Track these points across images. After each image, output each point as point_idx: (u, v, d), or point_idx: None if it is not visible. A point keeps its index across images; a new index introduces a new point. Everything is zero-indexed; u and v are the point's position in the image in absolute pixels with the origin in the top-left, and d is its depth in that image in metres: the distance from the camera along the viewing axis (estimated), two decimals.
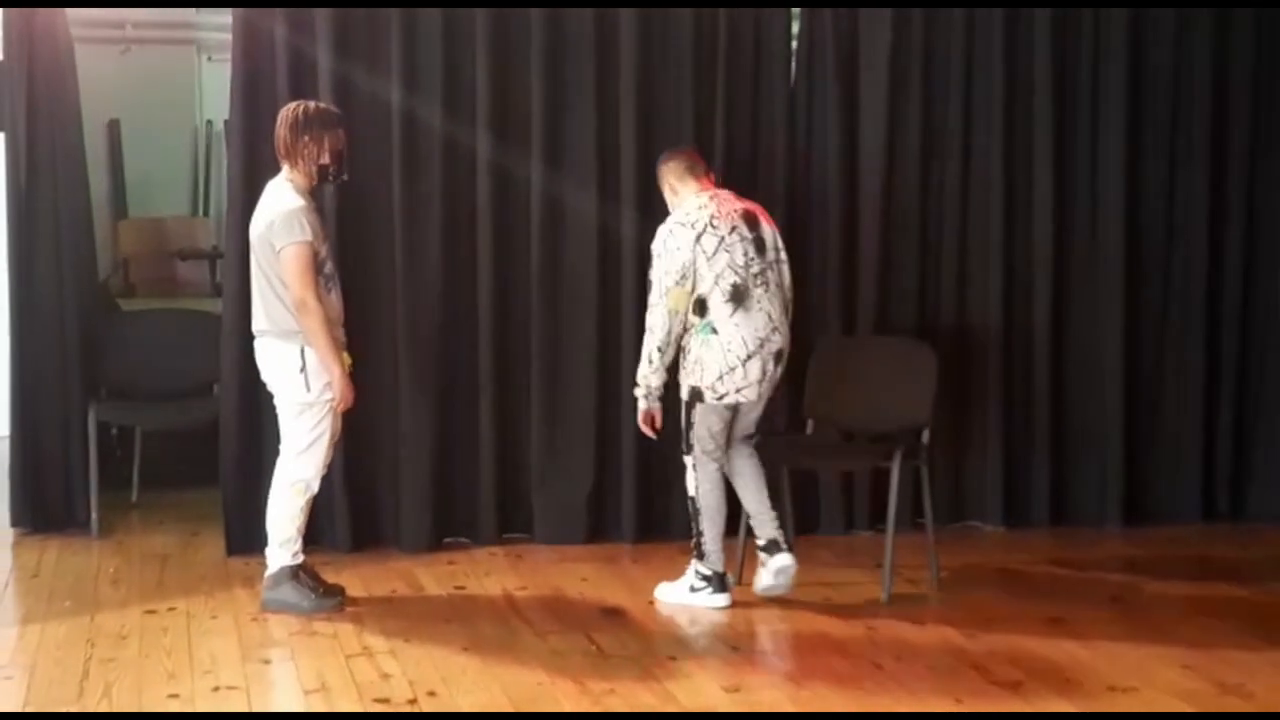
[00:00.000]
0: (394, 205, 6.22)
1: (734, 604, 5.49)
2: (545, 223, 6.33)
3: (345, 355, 5.35)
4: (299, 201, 5.27)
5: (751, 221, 5.50)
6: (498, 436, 6.37)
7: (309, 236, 5.22)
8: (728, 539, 5.59)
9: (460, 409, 6.35)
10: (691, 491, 5.53)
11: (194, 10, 8.87)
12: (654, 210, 5.75)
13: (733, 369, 5.40)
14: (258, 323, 5.39)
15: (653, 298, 5.43)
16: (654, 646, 5.09)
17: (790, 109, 6.54)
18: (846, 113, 6.54)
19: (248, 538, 6.03)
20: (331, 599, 5.45)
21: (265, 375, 5.44)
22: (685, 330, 5.44)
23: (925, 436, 5.82)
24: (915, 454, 5.79)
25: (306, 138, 5.32)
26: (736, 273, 5.38)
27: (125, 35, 8.81)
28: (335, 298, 5.39)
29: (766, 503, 5.58)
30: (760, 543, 5.58)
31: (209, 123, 9.17)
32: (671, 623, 5.40)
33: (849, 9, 6.52)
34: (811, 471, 6.49)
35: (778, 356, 5.50)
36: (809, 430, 6.13)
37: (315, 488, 5.43)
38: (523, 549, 6.33)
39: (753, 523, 5.60)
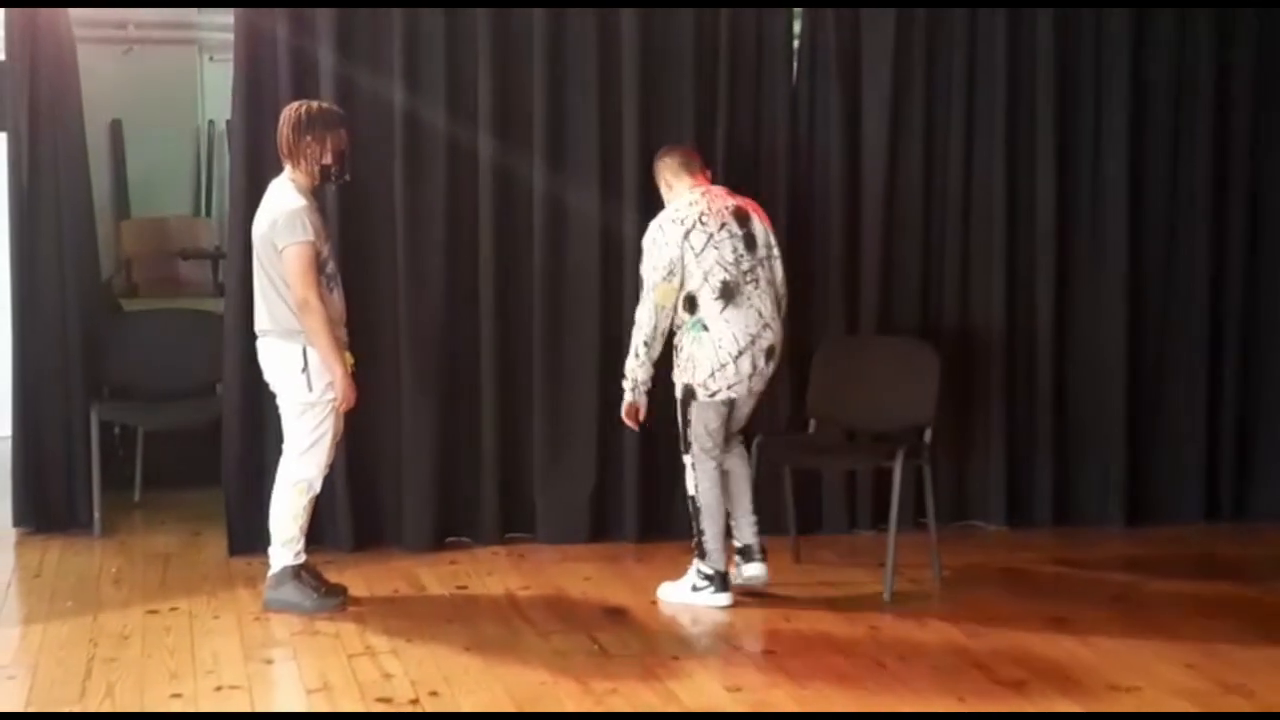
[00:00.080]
0: (396, 205, 6.22)
1: (736, 603, 5.49)
2: (547, 222, 6.33)
3: (347, 355, 5.35)
4: (301, 201, 5.27)
5: (742, 218, 5.51)
6: (500, 436, 6.38)
7: (311, 236, 5.22)
8: (729, 538, 5.60)
9: (462, 408, 6.36)
10: (691, 490, 5.54)
11: (196, 10, 8.86)
12: (655, 210, 5.73)
13: (724, 365, 5.41)
14: (260, 322, 5.39)
15: (642, 292, 5.47)
16: (657, 646, 5.09)
17: (792, 109, 6.54)
18: (848, 113, 6.54)
19: (250, 537, 6.03)
20: (334, 598, 5.45)
21: (267, 375, 5.44)
22: (677, 328, 5.47)
23: (928, 436, 5.82)
24: (918, 453, 5.78)
25: (309, 137, 5.32)
26: (726, 270, 5.40)
27: (127, 35, 8.80)
28: (337, 297, 5.39)
29: (749, 506, 5.61)
30: (737, 545, 5.60)
31: (211, 123, 9.17)
32: (674, 622, 5.40)
33: (851, 9, 6.52)
34: (814, 471, 6.49)
35: (769, 353, 5.50)
36: (811, 430, 6.13)
37: (317, 487, 5.43)
38: (525, 548, 6.33)
39: (732, 523, 5.61)
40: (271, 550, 5.45)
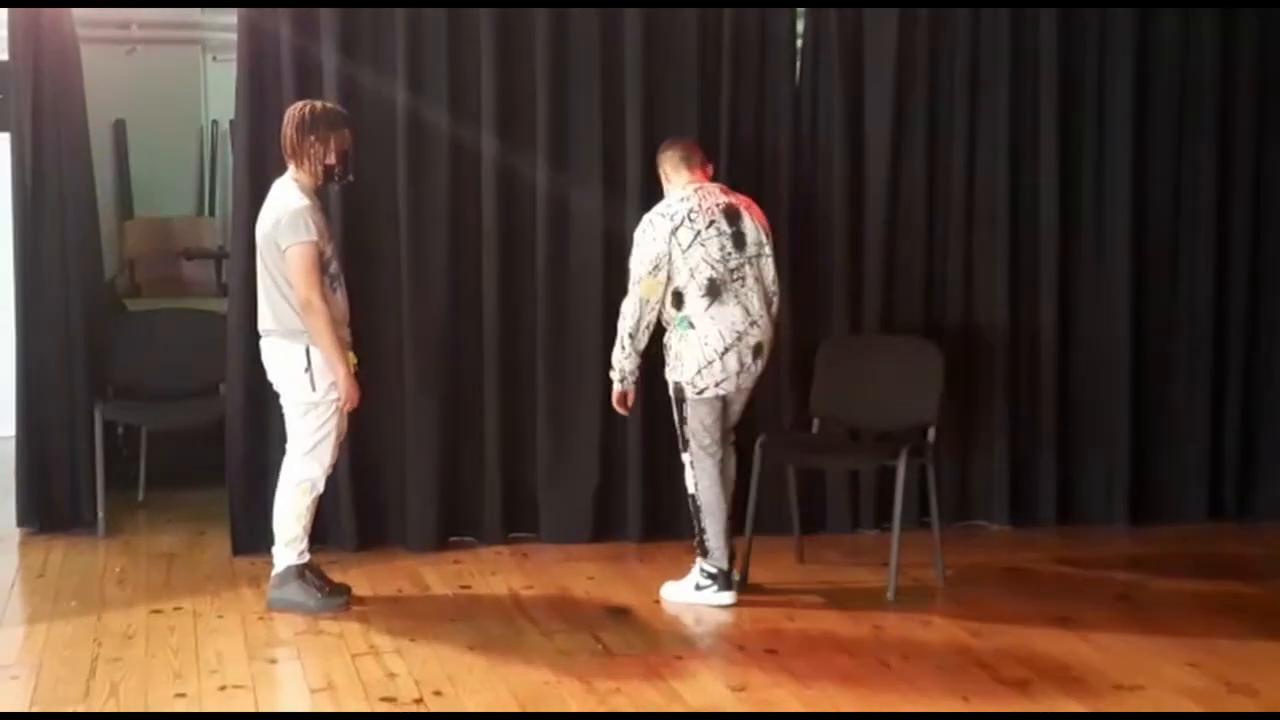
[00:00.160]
0: (399, 205, 6.22)
1: (740, 602, 5.49)
2: (550, 221, 6.33)
3: (351, 355, 5.35)
4: (304, 201, 5.27)
5: (732, 216, 5.52)
6: (503, 435, 6.38)
7: (314, 236, 5.22)
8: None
9: (465, 408, 6.36)
10: (691, 489, 5.54)
11: (199, 10, 8.86)
12: None
13: (710, 363, 5.43)
14: (263, 322, 5.40)
15: (629, 284, 5.51)
16: (660, 645, 5.09)
17: (795, 109, 6.54)
18: (851, 112, 6.54)
19: (254, 537, 6.03)
20: (337, 598, 5.45)
21: (271, 375, 5.44)
22: (667, 324, 5.50)
23: (931, 435, 5.82)
24: (921, 453, 5.78)
25: (313, 137, 5.32)
26: (712, 267, 5.41)
27: (131, 35, 8.81)
28: (340, 297, 5.39)
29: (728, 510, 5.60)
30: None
31: (214, 122, 9.17)
32: (677, 621, 5.40)
33: (854, 9, 6.51)
34: (818, 470, 6.49)
35: (757, 350, 5.51)
36: (815, 429, 6.14)
37: (321, 487, 5.44)
38: (529, 548, 6.33)
39: None
40: (275, 550, 5.45)
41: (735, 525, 5.60)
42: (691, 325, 5.45)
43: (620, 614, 5.43)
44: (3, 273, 6.67)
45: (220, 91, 8.50)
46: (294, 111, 5.39)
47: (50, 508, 6.54)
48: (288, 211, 5.24)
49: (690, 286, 5.43)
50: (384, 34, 6.19)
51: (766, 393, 6.17)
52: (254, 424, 6.13)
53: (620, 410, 5.70)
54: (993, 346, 6.69)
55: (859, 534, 6.60)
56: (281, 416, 5.48)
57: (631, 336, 5.49)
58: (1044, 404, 6.74)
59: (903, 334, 6.50)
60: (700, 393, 5.47)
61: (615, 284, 6.35)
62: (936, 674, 4.79)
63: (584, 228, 6.35)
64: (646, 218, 5.55)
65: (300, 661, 4.91)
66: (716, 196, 5.56)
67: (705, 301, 5.43)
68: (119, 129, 8.78)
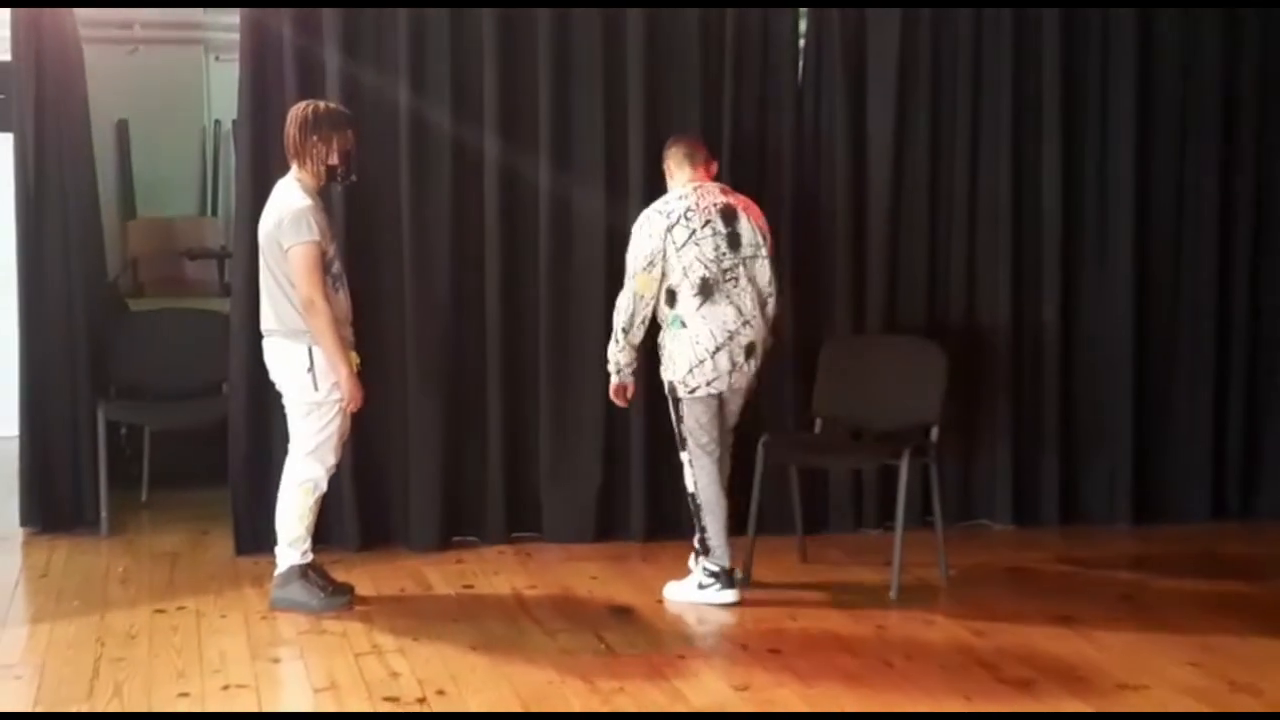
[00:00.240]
0: (402, 205, 6.22)
1: (743, 601, 5.49)
2: (553, 221, 6.33)
3: (353, 355, 5.35)
4: (307, 201, 5.27)
5: (729, 216, 5.52)
6: (506, 435, 6.38)
7: (317, 236, 5.22)
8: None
9: (468, 408, 6.36)
10: (690, 488, 5.55)
11: (202, 10, 8.87)
12: None
13: (701, 362, 5.44)
14: (266, 322, 5.40)
15: (625, 278, 5.54)
16: (663, 645, 5.09)
17: (798, 109, 6.54)
18: (854, 112, 6.53)
19: (257, 537, 6.04)
20: (340, 597, 5.45)
21: (273, 375, 5.44)
22: (661, 323, 5.52)
23: (934, 434, 5.82)
24: (924, 452, 5.78)
25: (315, 138, 5.32)
26: (706, 266, 5.43)
27: (133, 35, 8.82)
28: (343, 297, 5.39)
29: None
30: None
31: (217, 122, 9.18)
32: (680, 621, 5.40)
33: (856, 9, 6.51)
34: (820, 470, 6.49)
35: (749, 350, 5.52)
36: (817, 429, 6.13)
37: (324, 487, 5.44)
38: (531, 547, 6.34)
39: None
40: (278, 549, 5.45)
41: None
42: (683, 324, 5.46)
43: (623, 613, 5.43)
44: (6, 273, 6.67)
45: (223, 91, 8.49)
46: (297, 111, 5.39)
47: (53, 508, 6.54)
48: (290, 211, 5.24)
49: (683, 285, 5.44)
50: (386, 34, 6.19)
51: (769, 392, 6.18)
52: (257, 424, 6.14)
53: (619, 402, 5.72)
54: (995, 346, 6.68)
55: (862, 533, 6.60)
56: (284, 416, 5.48)
57: (625, 330, 5.52)
58: (1047, 404, 6.74)
59: (905, 334, 6.50)
60: (692, 391, 5.48)
61: (618, 284, 6.32)
62: (939, 673, 4.79)
63: (586, 227, 6.35)
64: (644, 213, 5.59)
65: (303, 661, 4.91)
66: (715, 196, 5.56)
67: (697, 300, 5.44)
68: (121, 129, 8.78)
